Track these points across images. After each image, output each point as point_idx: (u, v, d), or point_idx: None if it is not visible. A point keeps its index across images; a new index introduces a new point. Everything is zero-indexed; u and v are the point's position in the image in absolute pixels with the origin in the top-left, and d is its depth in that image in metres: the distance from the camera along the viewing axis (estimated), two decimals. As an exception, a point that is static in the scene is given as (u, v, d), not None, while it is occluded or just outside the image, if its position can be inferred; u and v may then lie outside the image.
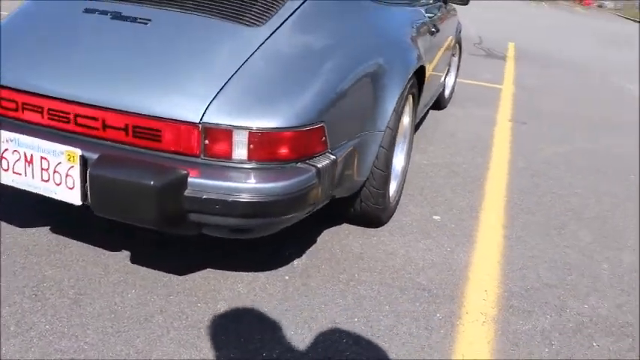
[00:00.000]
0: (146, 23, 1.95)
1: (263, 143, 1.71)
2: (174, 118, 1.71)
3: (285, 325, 1.89)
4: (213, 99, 1.71)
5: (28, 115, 1.89)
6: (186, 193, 1.65)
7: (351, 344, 1.83)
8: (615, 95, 6.72)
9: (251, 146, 1.70)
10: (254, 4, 1.99)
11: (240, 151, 1.71)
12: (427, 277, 2.25)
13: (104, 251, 2.19)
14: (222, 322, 1.87)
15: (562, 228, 2.83)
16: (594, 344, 1.96)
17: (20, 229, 2.28)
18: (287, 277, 2.15)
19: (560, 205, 3.10)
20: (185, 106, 1.71)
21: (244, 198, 1.67)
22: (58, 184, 1.80)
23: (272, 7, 1.99)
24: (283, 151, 1.74)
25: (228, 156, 1.72)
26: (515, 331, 1.99)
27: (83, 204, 1.79)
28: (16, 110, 1.91)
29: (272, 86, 1.80)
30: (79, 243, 2.23)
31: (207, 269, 2.14)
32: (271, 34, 1.92)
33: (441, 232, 2.63)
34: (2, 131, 1.84)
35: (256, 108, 1.73)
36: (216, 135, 1.70)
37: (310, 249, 2.35)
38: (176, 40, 1.91)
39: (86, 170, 1.73)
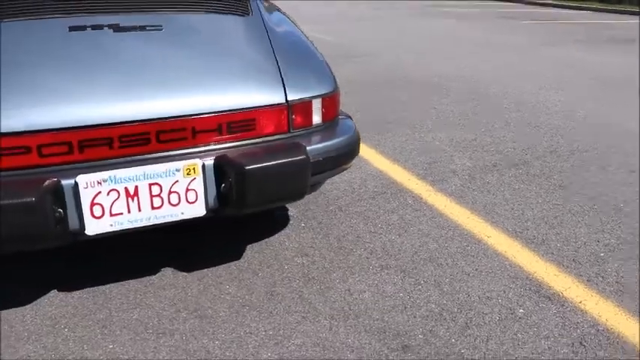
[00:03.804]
0: (160, 29, 1.92)
1: (328, 107, 2.08)
2: (266, 104, 1.89)
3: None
4: (283, 79, 1.96)
5: (91, 153, 1.68)
6: (312, 160, 1.91)
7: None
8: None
9: (323, 111, 2.05)
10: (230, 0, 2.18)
11: (316, 118, 2.04)
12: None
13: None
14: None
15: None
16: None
17: None
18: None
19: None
20: (269, 92, 1.91)
21: (342, 150, 2.04)
22: (175, 205, 1.74)
23: (246, 0, 2.22)
24: (334, 110, 2.14)
25: (309, 124, 2.02)
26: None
27: (207, 213, 1.79)
28: (69, 153, 1.65)
29: (304, 59, 2.13)
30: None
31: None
32: (262, 20, 2.18)
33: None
34: (82, 177, 1.61)
35: (314, 77, 2.05)
36: (300, 109, 1.98)
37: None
38: (200, 39, 1.97)
39: (206, 179, 1.75)
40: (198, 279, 2.12)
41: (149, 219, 1.72)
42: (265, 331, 1.84)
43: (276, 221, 2.59)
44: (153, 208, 1.71)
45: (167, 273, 2.16)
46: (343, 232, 2.51)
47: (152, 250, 2.31)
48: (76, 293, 2.03)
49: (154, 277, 2.13)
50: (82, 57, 1.77)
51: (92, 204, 1.63)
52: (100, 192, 1.63)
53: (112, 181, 1.64)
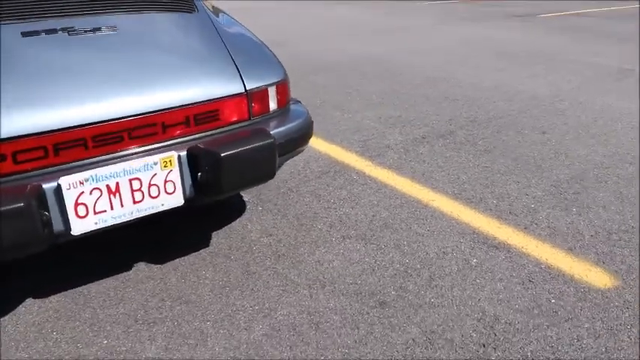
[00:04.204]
0: (115, 31, 1.95)
1: (281, 93, 2.19)
2: (227, 94, 1.98)
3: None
4: (239, 70, 2.06)
5: (67, 155, 1.70)
6: (277, 142, 2.02)
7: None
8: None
9: (278, 97, 2.17)
10: None
11: (272, 104, 2.15)
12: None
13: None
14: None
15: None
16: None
17: None
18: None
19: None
20: (228, 83, 2.00)
21: (300, 132, 2.17)
22: (155, 197, 1.80)
23: None
24: (287, 96, 2.26)
25: (267, 111, 2.13)
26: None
27: (185, 202, 1.87)
28: (45, 157, 1.67)
29: (253, 50, 2.23)
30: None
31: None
32: (209, 17, 2.26)
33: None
34: (64, 178, 1.64)
35: (266, 67, 2.16)
36: (258, 97, 2.08)
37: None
38: (156, 37, 2.02)
39: (182, 169, 1.83)
40: (173, 269, 2.18)
41: (131, 213, 1.77)
42: (251, 306, 1.95)
43: (235, 208, 2.68)
44: (134, 202, 1.76)
45: (141, 267, 2.20)
46: (299, 210, 2.65)
47: (122, 247, 2.34)
48: (54, 297, 2.03)
49: (129, 272, 2.17)
50: (44, 62, 1.76)
51: (76, 204, 1.66)
52: (82, 192, 1.66)
53: (93, 180, 1.67)
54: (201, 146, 1.84)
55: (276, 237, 2.41)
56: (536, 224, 2.48)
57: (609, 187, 2.83)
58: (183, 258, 2.25)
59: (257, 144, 1.88)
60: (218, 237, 2.41)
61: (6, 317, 1.93)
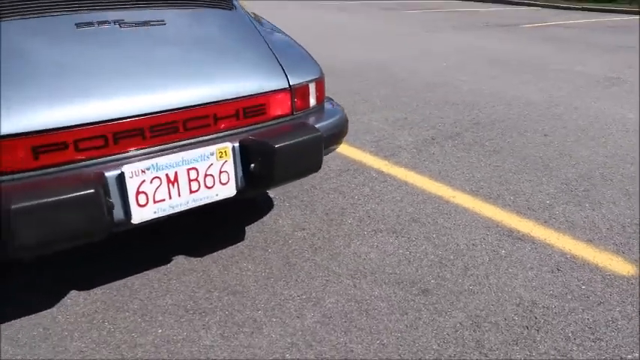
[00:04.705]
0: (164, 24, 1.99)
1: (319, 90, 2.26)
2: (274, 89, 2.04)
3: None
4: (282, 66, 2.12)
5: (126, 144, 1.73)
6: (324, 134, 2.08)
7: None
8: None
9: (317, 94, 2.24)
10: None
11: (312, 100, 2.22)
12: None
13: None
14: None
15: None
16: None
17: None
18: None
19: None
20: (274, 78, 2.06)
21: (339, 128, 2.24)
22: (210, 187, 1.84)
23: None
24: (323, 93, 2.33)
25: (307, 106, 2.19)
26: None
27: (237, 193, 1.91)
28: (105, 146, 1.70)
29: (291, 47, 2.29)
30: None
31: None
32: (247, 14, 2.32)
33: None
34: (127, 166, 1.67)
35: (305, 64, 2.23)
36: (301, 92, 2.15)
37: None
38: (203, 31, 2.07)
39: (235, 160, 1.88)
40: (213, 262, 2.21)
41: (187, 203, 1.81)
42: (299, 296, 2.00)
43: (263, 204, 2.73)
44: (191, 192, 1.80)
45: (180, 260, 2.23)
46: (326, 206, 2.71)
47: (157, 242, 2.36)
48: (98, 290, 2.04)
49: (169, 265, 2.19)
50: (100, 53, 1.80)
51: (137, 192, 1.69)
52: (144, 180, 1.70)
53: (154, 168, 1.71)
54: (254, 138, 1.89)
55: (310, 231, 2.46)
56: (554, 218, 2.59)
57: (615, 184, 2.97)
58: (220, 251, 2.29)
59: (307, 136, 1.94)
60: (252, 231, 2.45)
61: (54, 308, 1.94)
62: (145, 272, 2.15)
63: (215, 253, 2.28)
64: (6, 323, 1.86)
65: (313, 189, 2.90)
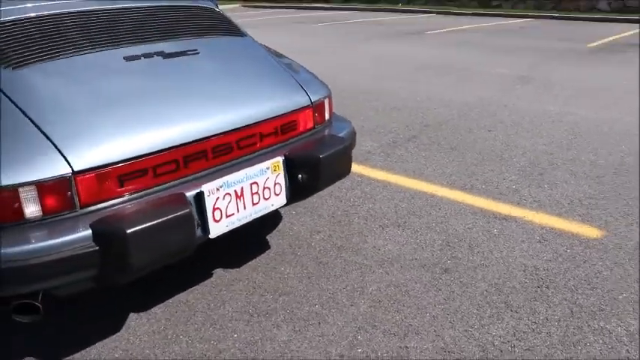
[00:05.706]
0: (197, 53, 2.18)
1: (330, 105, 2.53)
2: (301, 106, 2.29)
3: (352, 219, 2.84)
4: (302, 85, 2.38)
5: (193, 166, 1.90)
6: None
7: (376, 205, 3.02)
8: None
9: (329, 109, 2.51)
10: (228, 24, 2.49)
11: (327, 115, 2.49)
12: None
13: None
14: (342, 237, 2.65)
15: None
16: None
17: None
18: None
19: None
20: (299, 96, 2.31)
21: (353, 138, 2.52)
22: (267, 199, 2.06)
23: (234, 24, 2.55)
24: (332, 109, 2.60)
25: (323, 121, 2.46)
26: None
27: (287, 202, 2.14)
28: (177, 170, 1.86)
29: (302, 69, 2.55)
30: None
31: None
32: (254, 40, 2.55)
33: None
34: (205, 186, 1.85)
35: (317, 83, 2.49)
36: (319, 108, 2.41)
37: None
38: (232, 58, 2.29)
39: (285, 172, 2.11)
40: (252, 270, 2.41)
41: (250, 215, 2.01)
42: (343, 288, 2.25)
43: (272, 214, 2.93)
44: (253, 204, 2.01)
45: (221, 273, 2.40)
46: (329, 210, 2.97)
47: (187, 260, 2.49)
48: (156, 309, 2.16)
49: (213, 278, 2.36)
50: (155, 83, 1.96)
51: (214, 209, 1.87)
52: (218, 197, 1.88)
53: (226, 186, 1.90)
54: (297, 151, 2.14)
55: (326, 233, 2.72)
56: (524, 199, 3.04)
57: (561, 167, 3.50)
58: (253, 261, 2.48)
59: (341, 146, 2.22)
60: (274, 239, 2.67)
61: (122, 331, 2.04)
62: (193, 288, 2.30)
63: (251, 262, 2.47)
64: (81, 352, 1.95)
65: (310, 197, 3.15)
